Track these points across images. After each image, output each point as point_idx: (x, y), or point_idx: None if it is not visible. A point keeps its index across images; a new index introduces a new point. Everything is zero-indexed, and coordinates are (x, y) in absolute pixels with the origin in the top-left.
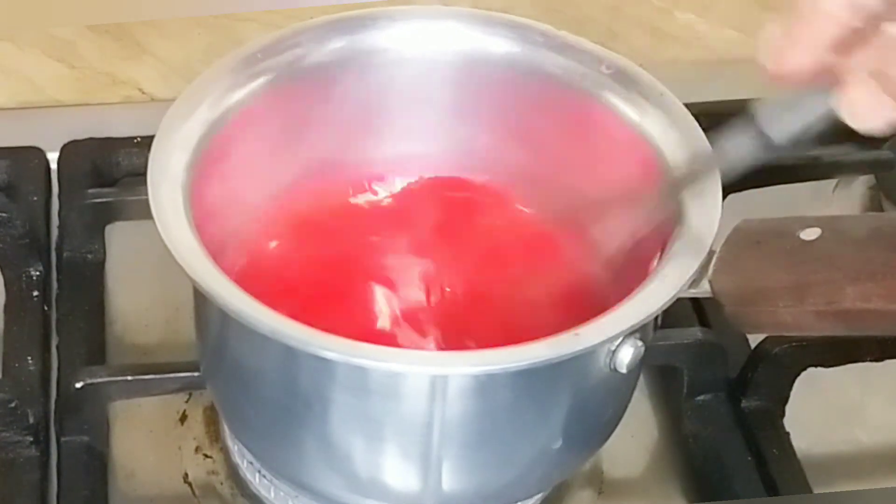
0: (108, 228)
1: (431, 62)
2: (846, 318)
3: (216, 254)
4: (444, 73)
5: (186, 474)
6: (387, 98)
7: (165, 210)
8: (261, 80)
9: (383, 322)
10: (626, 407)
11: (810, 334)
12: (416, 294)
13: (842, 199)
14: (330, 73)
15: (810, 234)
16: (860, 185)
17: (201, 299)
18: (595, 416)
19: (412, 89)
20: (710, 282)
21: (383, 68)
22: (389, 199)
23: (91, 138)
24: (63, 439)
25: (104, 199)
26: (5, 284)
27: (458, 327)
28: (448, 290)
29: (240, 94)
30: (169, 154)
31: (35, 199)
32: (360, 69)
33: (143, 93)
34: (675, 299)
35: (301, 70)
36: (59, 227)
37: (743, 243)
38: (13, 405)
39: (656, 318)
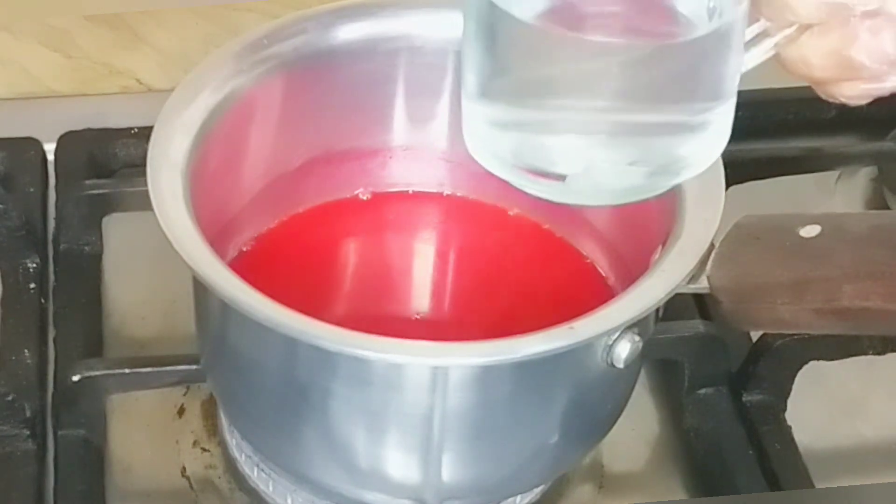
0: (105, 220)
1: (438, 51)
2: (844, 316)
3: (215, 241)
4: (451, 61)
5: (184, 468)
6: (393, 87)
7: (164, 196)
8: (265, 67)
9: (384, 313)
10: (626, 401)
11: (808, 332)
12: (416, 286)
13: (844, 190)
14: (336, 61)
15: (810, 231)
16: (863, 177)
17: (201, 288)
18: (595, 410)
19: (419, 78)
20: (708, 277)
21: (390, 56)
22: (392, 190)
23: (88, 129)
24: (60, 433)
25: (101, 191)
26: (1, 277)
27: (459, 321)
28: (451, 282)
29: (244, 80)
30: (170, 138)
31: (31, 190)
32: (367, 57)
33: (141, 83)
34: (672, 295)
35: (306, 57)
36: (56, 218)
37: (742, 239)
38: (10, 398)
39: (656, 312)
